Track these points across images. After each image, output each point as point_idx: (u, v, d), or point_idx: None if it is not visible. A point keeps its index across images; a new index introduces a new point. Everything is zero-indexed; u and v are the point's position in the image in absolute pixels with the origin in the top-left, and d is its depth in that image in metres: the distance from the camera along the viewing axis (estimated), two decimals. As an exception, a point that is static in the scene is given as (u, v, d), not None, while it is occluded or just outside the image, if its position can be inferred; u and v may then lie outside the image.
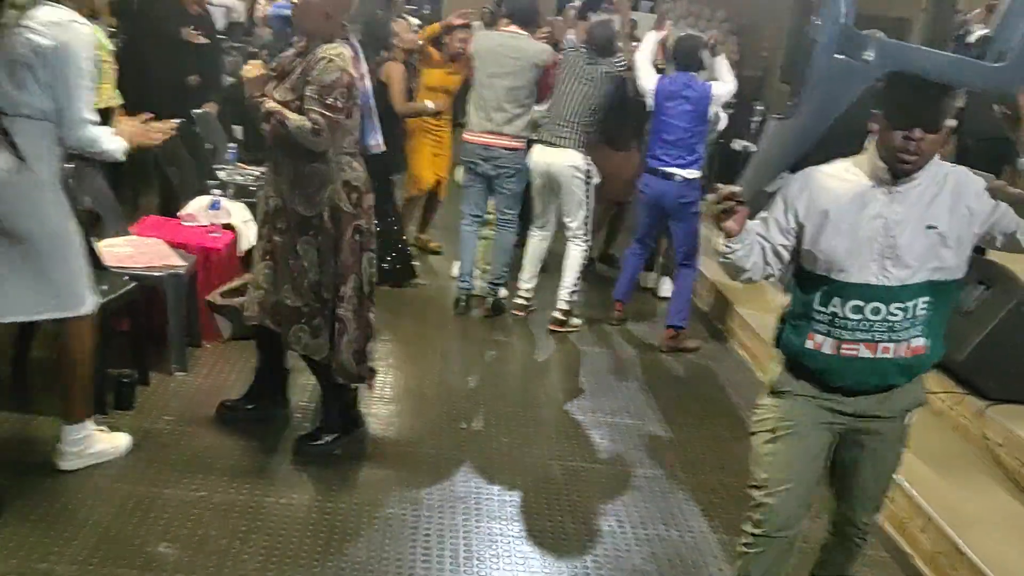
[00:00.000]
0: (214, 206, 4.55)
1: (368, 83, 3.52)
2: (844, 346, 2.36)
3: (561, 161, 5.18)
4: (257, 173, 5.98)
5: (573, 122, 5.17)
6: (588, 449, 4.01)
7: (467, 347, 5.05)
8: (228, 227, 4.65)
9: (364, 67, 3.47)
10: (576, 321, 5.43)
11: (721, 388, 4.89)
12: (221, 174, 5.89)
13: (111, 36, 9.45)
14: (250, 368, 3.88)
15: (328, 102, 3.17)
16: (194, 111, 5.87)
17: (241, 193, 5.65)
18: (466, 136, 5.27)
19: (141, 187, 5.83)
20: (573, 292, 5.35)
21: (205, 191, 5.33)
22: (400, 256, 5.68)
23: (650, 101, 5.19)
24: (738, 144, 9.01)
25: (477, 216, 5.46)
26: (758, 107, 12.33)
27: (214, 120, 6.19)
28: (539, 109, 5.38)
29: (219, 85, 7.16)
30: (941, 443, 3.98)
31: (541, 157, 5.25)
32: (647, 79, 5.19)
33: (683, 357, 5.20)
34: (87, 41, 2.91)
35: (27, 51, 2.79)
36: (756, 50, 15.53)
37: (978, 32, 7.46)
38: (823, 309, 2.37)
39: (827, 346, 2.37)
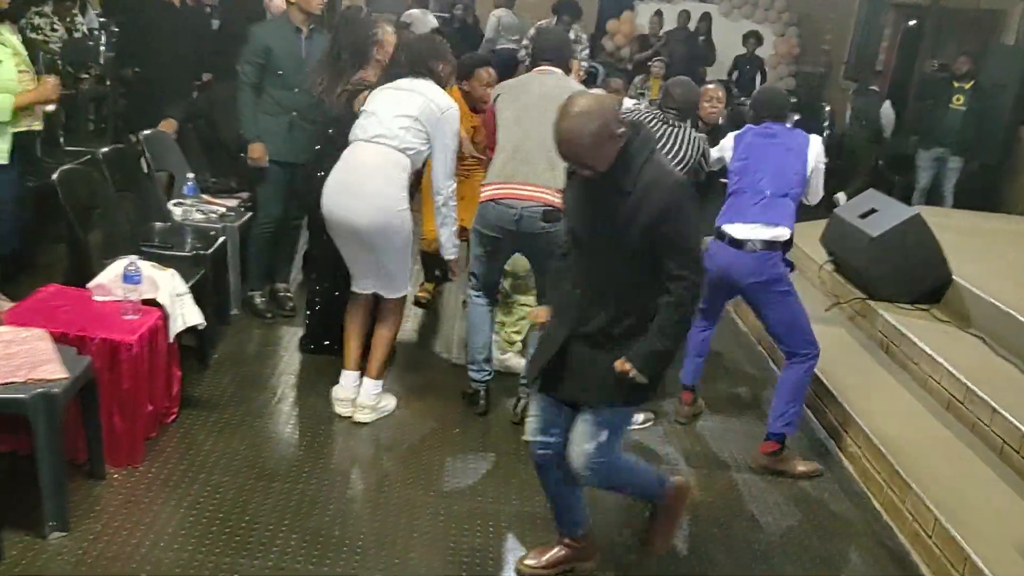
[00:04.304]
0: (129, 277, 3.27)
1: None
2: None
3: None
4: (224, 209, 4.75)
5: None
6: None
7: (492, 470, 3.74)
8: (153, 304, 3.39)
9: None
10: (640, 416, 4.11)
11: (828, 533, 3.55)
12: (176, 211, 4.67)
13: (102, 26, 8.41)
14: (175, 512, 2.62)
15: None
16: (142, 133, 4.61)
17: (200, 239, 4.42)
18: (491, 194, 3.79)
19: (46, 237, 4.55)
20: None
21: (138, 243, 4.09)
22: None
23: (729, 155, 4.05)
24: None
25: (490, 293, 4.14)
26: (825, 108, 10.91)
27: (170, 142, 4.93)
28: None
29: (187, 94, 5.91)
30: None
31: None
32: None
33: (781, 482, 3.84)
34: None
35: None
36: (818, 44, 14.11)
37: None
38: None
39: None
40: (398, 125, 3.61)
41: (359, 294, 3.88)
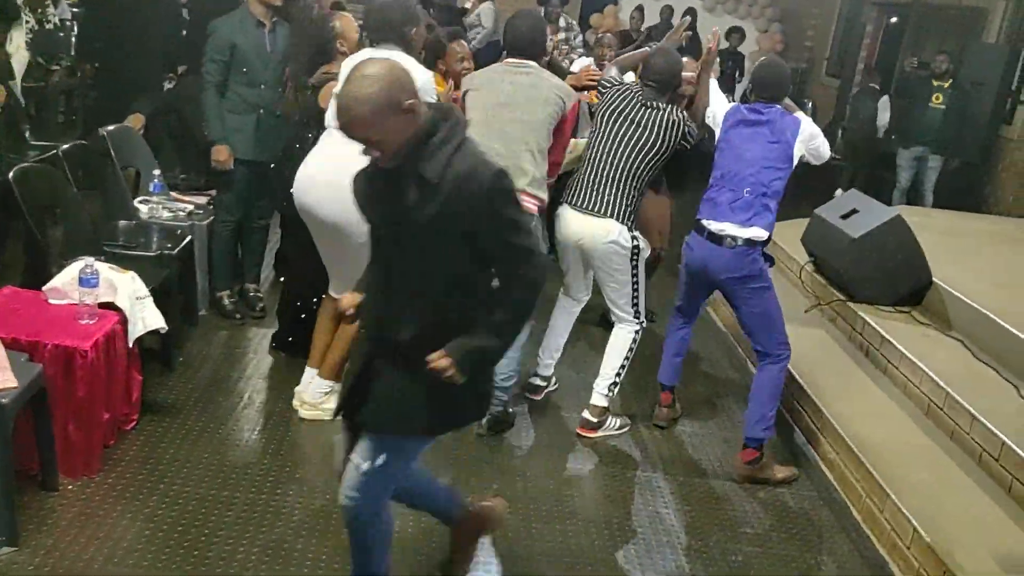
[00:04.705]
0: (85, 280, 3.15)
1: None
2: None
3: (596, 234, 3.79)
4: (192, 207, 4.63)
5: (617, 180, 3.77)
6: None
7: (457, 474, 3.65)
8: (111, 307, 3.27)
9: None
10: (616, 423, 4.04)
11: (807, 543, 3.48)
12: (142, 209, 4.54)
13: (75, 16, 8.22)
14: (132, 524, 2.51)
15: None
16: (105, 128, 4.47)
17: (166, 238, 4.29)
18: None
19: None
20: (614, 384, 3.96)
21: (100, 243, 3.97)
22: None
23: (717, 131, 3.82)
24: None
25: None
26: (808, 103, 10.87)
27: (136, 137, 4.79)
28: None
29: (157, 85, 5.76)
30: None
31: (570, 227, 3.86)
32: (718, 107, 3.89)
33: (759, 490, 3.77)
34: None
35: None
36: (800, 40, 14.07)
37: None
38: None
39: None
40: None
41: (331, 294, 3.78)
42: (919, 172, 8.51)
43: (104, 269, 3.32)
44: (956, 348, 4.44)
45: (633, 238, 3.81)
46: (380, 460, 2.32)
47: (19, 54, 5.71)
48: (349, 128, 2.12)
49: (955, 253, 5.48)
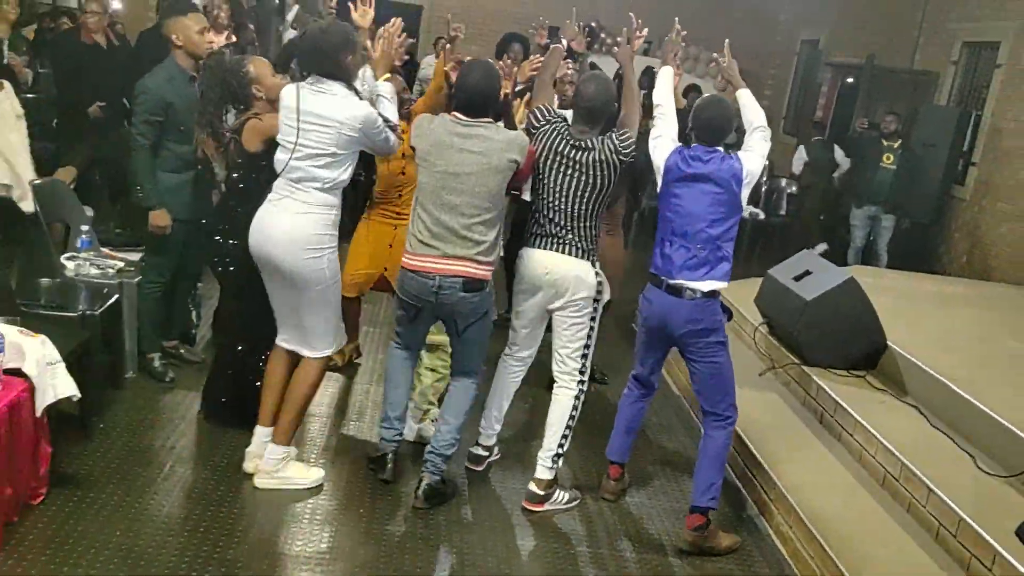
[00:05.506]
0: (-10, 346, 2.93)
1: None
2: None
3: (566, 267, 3.65)
4: (122, 264, 4.43)
5: (570, 226, 3.65)
6: None
7: (387, 558, 3.43)
8: (17, 374, 3.04)
9: None
10: (564, 496, 3.85)
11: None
12: (69, 266, 4.33)
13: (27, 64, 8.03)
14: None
15: None
16: (35, 181, 4.27)
17: (92, 296, 4.08)
18: (410, 264, 3.54)
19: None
20: (559, 456, 3.78)
21: (16, 303, 3.75)
22: None
23: (659, 179, 3.69)
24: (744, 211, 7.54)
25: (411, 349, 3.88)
26: (787, 188, 10.84)
27: (66, 190, 4.60)
28: None
29: (99, 138, 5.58)
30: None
31: (537, 262, 3.69)
32: (661, 145, 3.68)
33: (710, 563, 3.59)
34: None
35: None
36: (758, 99, 14.15)
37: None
38: None
39: None
40: (313, 164, 3.31)
41: (280, 346, 3.60)
42: (873, 231, 8.53)
43: (11, 333, 3.10)
44: (911, 415, 4.34)
45: (596, 273, 3.69)
46: None
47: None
48: None
49: (909, 316, 5.42)
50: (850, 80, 11.21)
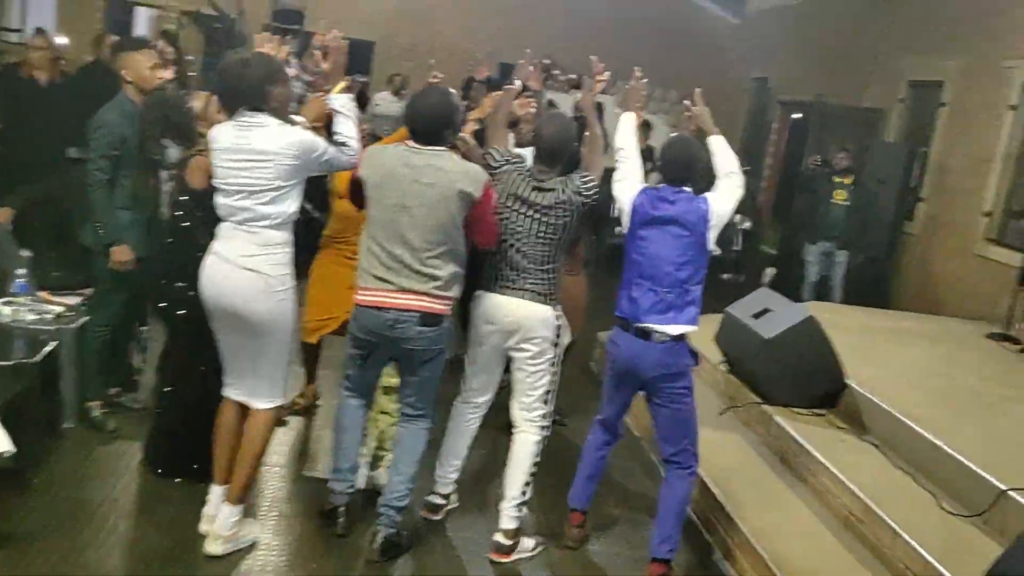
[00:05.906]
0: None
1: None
2: None
3: (525, 310, 3.56)
4: (61, 309, 4.26)
5: (531, 268, 3.57)
6: None
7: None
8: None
9: None
10: (531, 544, 3.75)
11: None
12: (4, 311, 4.15)
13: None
14: None
15: None
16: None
17: (28, 344, 3.90)
18: (364, 299, 3.44)
19: None
20: (522, 504, 3.68)
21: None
22: None
23: (625, 220, 3.62)
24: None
25: (363, 394, 3.75)
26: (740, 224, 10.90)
27: (2, 233, 4.42)
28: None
29: (39, 177, 5.39)
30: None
31: (496, 305, 3.60)
32: (627, 187, 3.62)
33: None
34: None
35: None
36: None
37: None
38: None
39: None
40: (257, 202, 3.18)
41: (229, 398, 3.45)
42: (827, 267, 8.60)
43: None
44: (872, 454, 4.32)
45: (557, 317, 3.61)
46: None
47: None
48: None
49: (867, 352, 5.42)
50: (799, 116, 11.39)
